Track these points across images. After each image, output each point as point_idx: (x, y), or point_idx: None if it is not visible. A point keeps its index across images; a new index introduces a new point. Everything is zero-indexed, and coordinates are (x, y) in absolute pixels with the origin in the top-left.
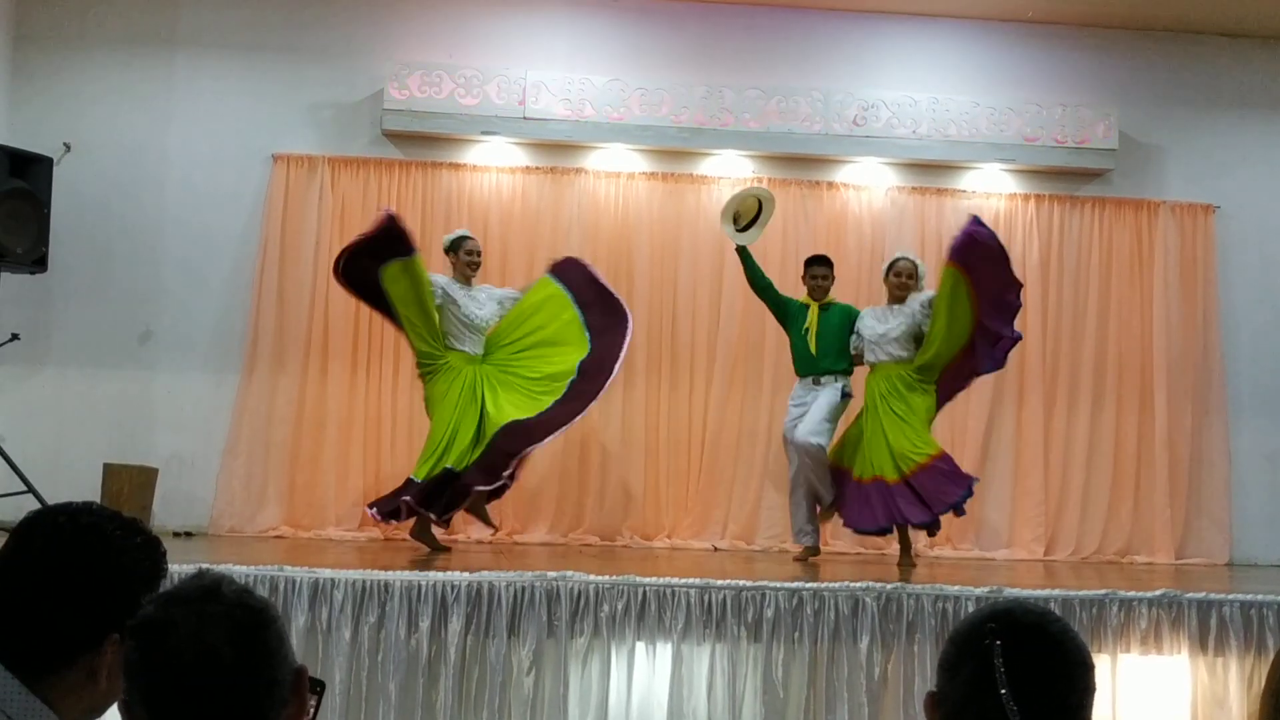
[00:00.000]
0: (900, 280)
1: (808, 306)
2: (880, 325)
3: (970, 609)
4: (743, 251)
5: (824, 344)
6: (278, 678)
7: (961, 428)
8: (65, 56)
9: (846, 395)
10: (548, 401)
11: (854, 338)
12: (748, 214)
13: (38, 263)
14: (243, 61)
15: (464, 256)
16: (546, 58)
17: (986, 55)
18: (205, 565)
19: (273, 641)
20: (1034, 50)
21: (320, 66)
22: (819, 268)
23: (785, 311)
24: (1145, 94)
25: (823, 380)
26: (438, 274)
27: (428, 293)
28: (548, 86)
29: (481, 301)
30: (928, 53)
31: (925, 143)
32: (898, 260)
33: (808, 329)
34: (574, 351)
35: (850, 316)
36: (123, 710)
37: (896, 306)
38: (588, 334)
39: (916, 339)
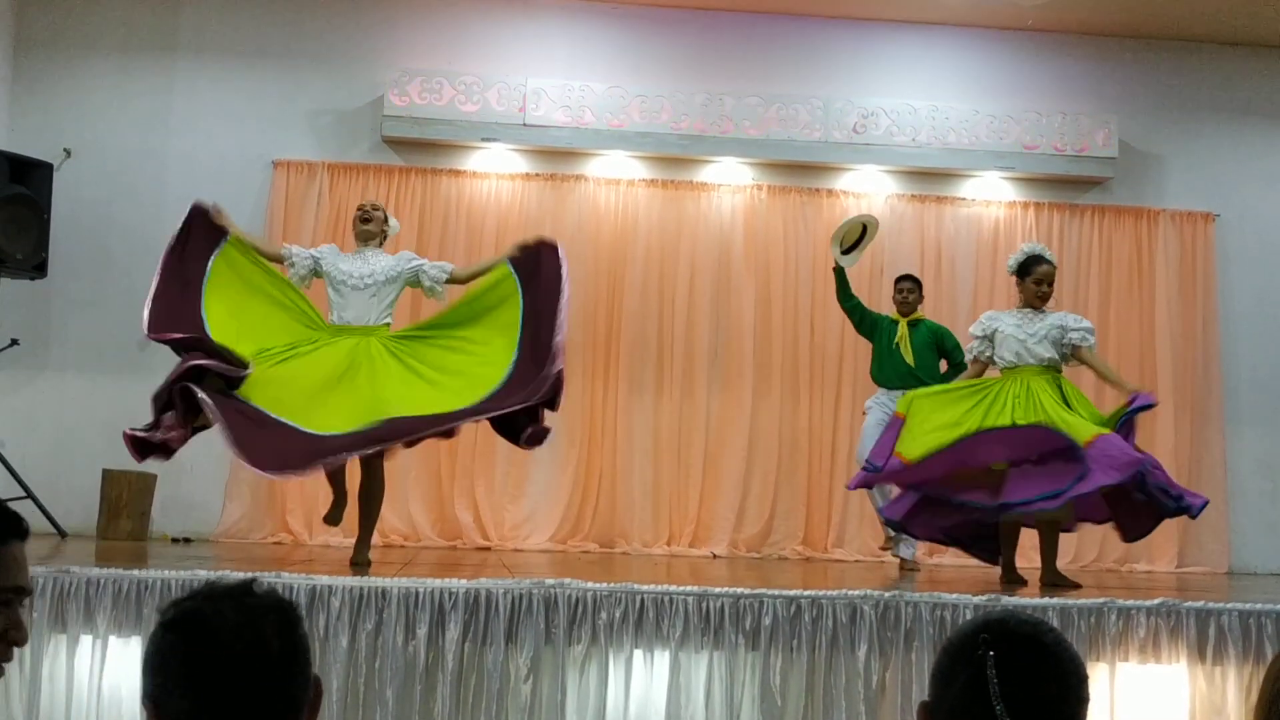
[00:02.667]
0: (1043, 289)
1: (897, 322)
2: (1029, 325)
3: (969, 617)
4: (839, 272)
5: (920, 358)
6: (309, 675)
7: None
8: (66, 62)
9: None
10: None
11: (980, 343)
12: (851, 238)
13: (38, 268)
14: (243, 68)
15: (357, 221)
16: (546, 64)
17: (986, 63)
18: (204, 573)
19: (306, 639)
20: (1033, 58)
21: (320, 73)
22: (904, 282)
23: (873, 326)
24: (1145, 102)
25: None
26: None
27: (260, 273)
28: (548, 93)
29: (369, 260)
30: (927, 61)
31: (925, 150)
32: (1041, 263)
33: (899, 342)
34: (496, 366)
35: (940, 334)
36: (148, 706)
37: (1030, 311)
38: (516, 352)
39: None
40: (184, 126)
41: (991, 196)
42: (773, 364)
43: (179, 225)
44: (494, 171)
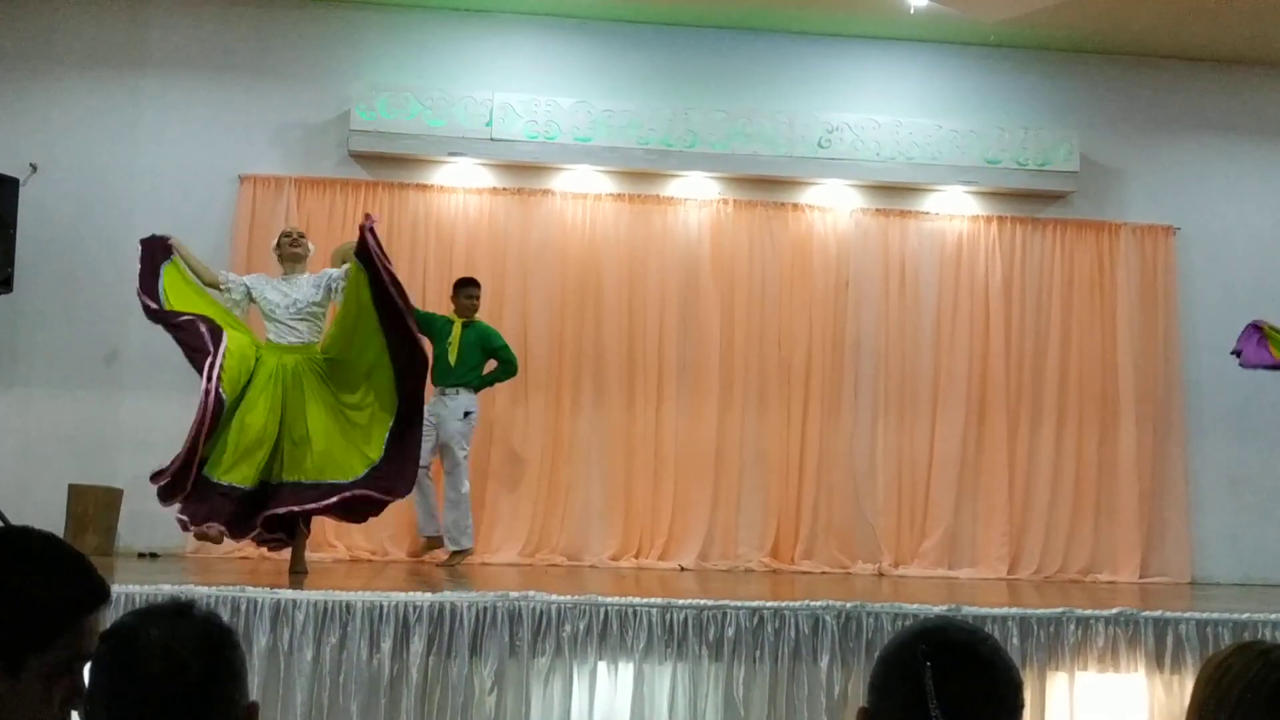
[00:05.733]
0: None
1: (452, 322)
2: None
3: None
4: None
5: (463, 358)
6: (235, 699)
7: (926, 448)
8: (32, 77)
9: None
10: (364, 454)
11: None
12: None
13: (3, 284)
14: (210, 82)
15: (285, 243)
16: (513, 80)
17: (949, 79)
18: (168, 587)
19: (236, 663)
20: (996, 74)
21: (287, 88)
22: (472, 288)
23: (431, 327)
24: (1106, 117)
25: (448, 391)
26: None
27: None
28: (515, 108)
29: (295, 285)
30: (891, 76)
31: (889, 165)
32: None
33: (451, 343)
34: (382, 386)
35: (485, 335)
36: (83, 715)
37: None
38: (392, 372)
39: None
40: (151, 141)
41: (955, 210)
42: (739, 377)
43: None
44: (461, 186)
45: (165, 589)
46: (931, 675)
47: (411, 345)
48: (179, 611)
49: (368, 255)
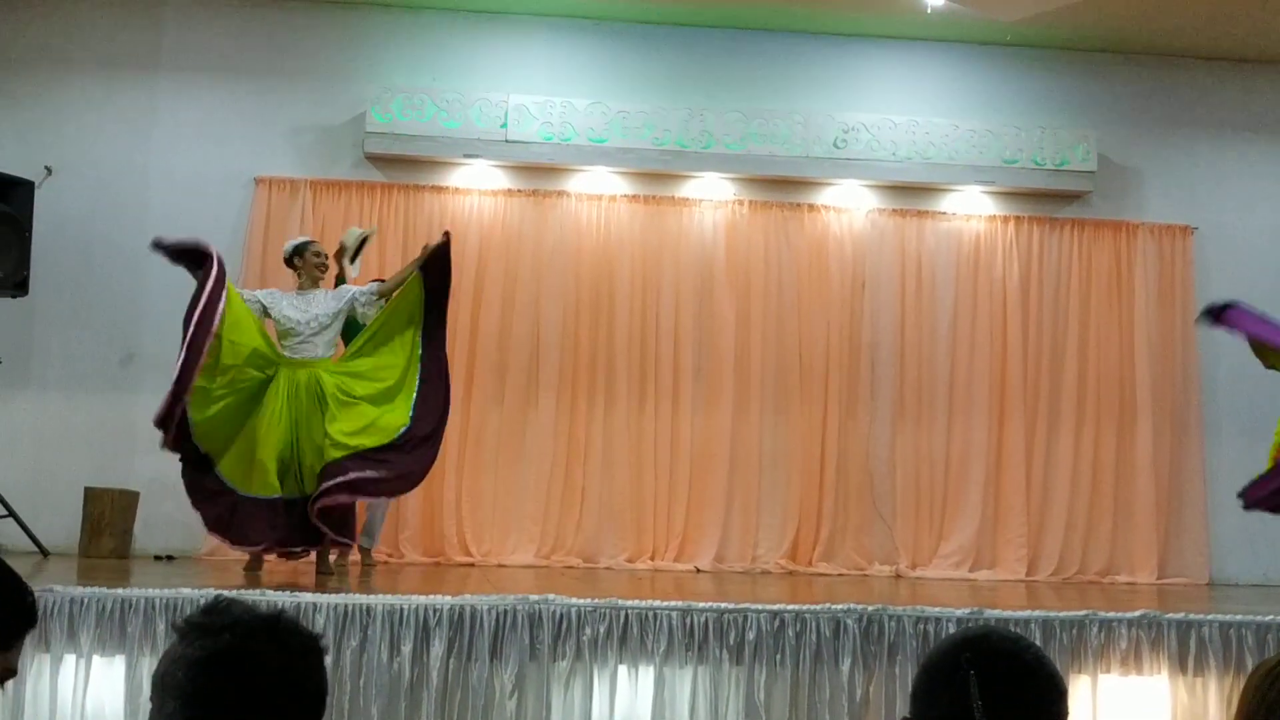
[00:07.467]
0: None
1: None
2: None
3: (951, 630)
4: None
5: None
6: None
7: (944, 449)
8: (47, 79)
9: None
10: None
11: None
12: (353, 248)
13: (19, 286)
14: (225, 84)
15: (312, 259)
16: (528, 81)
17: (966, 78)
18: (188, 590)
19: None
20: (1013, 73)
21: (302, 89)
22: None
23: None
24: (1123, 116)
25: None
26: (255, 289)
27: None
28: (530, 110)
29: (311, 300)
30: (907, 75)
31: (905, 165)
32: None
33: None
34: (401, 402)
35: None
36: None
37: None
38: (417, 383)
39: None
40: (166, 143)
41: (972, 210)
42: (755, 379)
43: (208, 282)
44: (476, 188)
45: (185, 592)
46: (976, 683)
47: (442, 363)
48: (279, 625)
49: (443, 268)
